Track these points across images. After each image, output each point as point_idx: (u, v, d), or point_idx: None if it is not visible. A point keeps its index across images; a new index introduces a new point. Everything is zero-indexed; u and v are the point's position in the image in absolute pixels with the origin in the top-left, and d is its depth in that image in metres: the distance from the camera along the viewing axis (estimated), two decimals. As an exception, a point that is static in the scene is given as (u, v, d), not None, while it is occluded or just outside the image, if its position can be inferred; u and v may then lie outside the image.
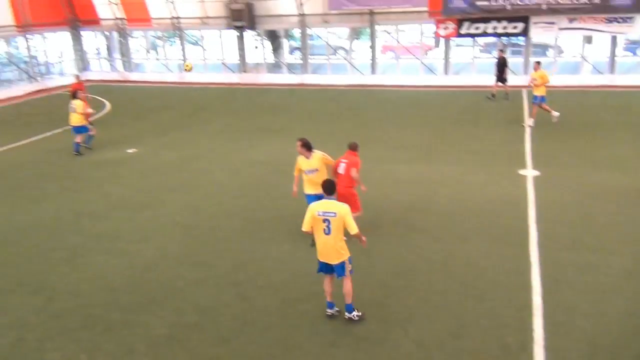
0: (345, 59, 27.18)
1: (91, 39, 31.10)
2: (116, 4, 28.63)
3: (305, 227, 7.08)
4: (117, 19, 29.08)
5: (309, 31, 26.58)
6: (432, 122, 18.01)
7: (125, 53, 30.32)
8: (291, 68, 28.07)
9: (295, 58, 30.62)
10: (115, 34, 30.18)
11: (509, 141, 15.38)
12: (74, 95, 15.98)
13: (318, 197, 7.65)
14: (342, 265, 7.11)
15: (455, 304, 7.62)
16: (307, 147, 9.21)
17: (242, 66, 28.26)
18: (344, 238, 7.12)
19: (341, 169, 9.36)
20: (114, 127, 19.24)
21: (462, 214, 10.61)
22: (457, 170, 13.14)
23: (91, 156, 15.54)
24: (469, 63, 25.48)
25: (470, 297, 7.76)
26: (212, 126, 18.73)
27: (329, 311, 7.39)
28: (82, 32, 30.48)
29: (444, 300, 7.73)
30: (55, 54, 30.60)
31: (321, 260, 7.16)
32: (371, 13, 24.84)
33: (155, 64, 30.73)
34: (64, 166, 14.74)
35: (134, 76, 29.69)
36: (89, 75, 30.43)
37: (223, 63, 28.61)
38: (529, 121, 16.95)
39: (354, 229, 7.02)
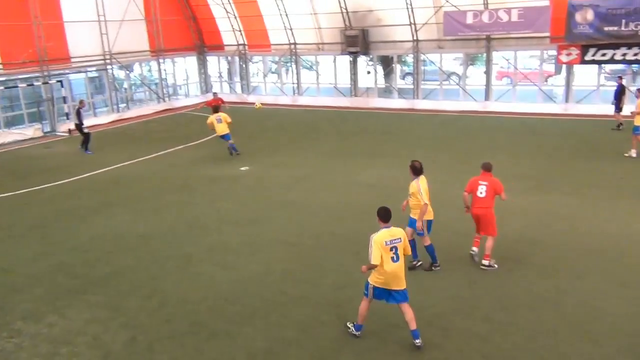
0: (458, 84, 26.69)
1: (214, 63, 33.17)
2: (240, 32, 30.39)
3: (376, 260, 7.03)
4: (239, 45, 30.83)
5: (422, 56, 26.46)
6: (549, 152, 17.08)
7: (244, 76, 31.98)
8: (402, 93, 28.04)
9: (407, 83, 30.55)
10: (236, 59, 31.97)
11: (636, 175, 14.20)
12: (216, 110, 18.70)
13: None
14: (405, 292, 7.15)
15: (566, 346, 7.10)
16: (412, 170, 9.21)
17: (354, 90, 28.68)
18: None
19: (481, 192, 9.18)
20: (230, 145, 20.24)
21: (577, 250, 9.91)
22: (574, 203, 12.32)
23: (207, 171, 16.46)
24: (593, 90, 23.90)
25: (584, 340, 7.19)
26: (322, 148, 19.12)
27: (357, 332, 7.47)
28: (207, 57, 32.64)
29: (553, 341, 7.22)
30: (181, 77, 32.98)
31: (383, 287, 7.14)
32: (488, 39, 24.24)
33: (271, 87, 32.08)
34: (182, 180, 15.73)
35: (251, 98, 31.13)
36: (210, 97, 32.38)
37: (335, 87, 29.23)
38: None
39: (409, 250, 7.33)
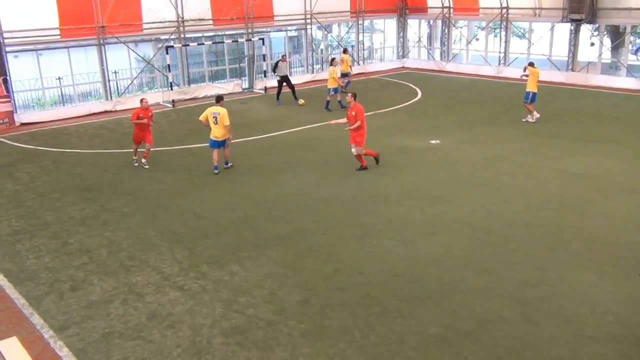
0: None
1: (415, 27, 32.94)
2: (446, -8, 29.76)
3: None
4: (444, 7, 30.16)
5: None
6: None
7: (445, 42, 31.31)
8: (632, 70, 25.07)
9: (639, 59, 27.26)
10: (439, 23, 31.37)
11: None
12: (331, 62, 21.58)
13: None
14: None
15: None
16: None
17: (572, 64, 26.41)
18: None
19: None
20: (422, 116, 20.17)
21: None
22: None
23: (395, 141, 16.56)
24: None
25: None
26: (523, 127, 18.06)
27: None
28: (408, 20, 32.55)
29: None
30: (378, 40, 33.36)
31: None
32: None
33: (473, 55, 30.97)
34: (368, 147, 16.00)
35: (449, 66, 30.47)
36: (406, 62, 32.42)
37: (549, 59, 27.20)
38: None
39: None
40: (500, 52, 28.98)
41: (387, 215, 11.26)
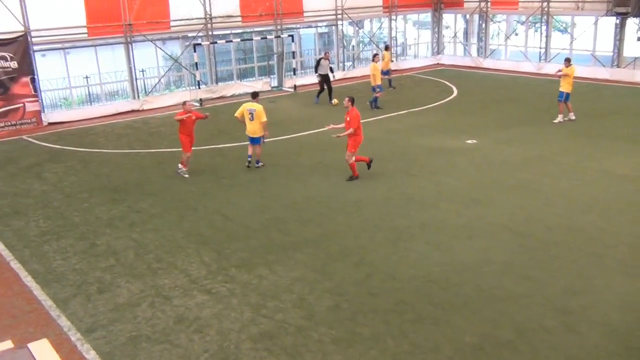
0: None
1: (450, 22, 32.68)
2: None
3: None
4: (481, 1, 29.86)
5: None
6: None
7: (482, 38, 30.98)
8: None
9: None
10: (476, 17, 31.07)
11: None
12: (374, 59, 21.40)
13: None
14: None
15: None
16: None
17: (617, 60, 25.87)
18: None
19: None
20: (457, 115, 20.00)
21: None
22: None
23: (429, 141, 16.46)
24: None
25: None
26: (565, 126, 17.75)
27: None
28: (443, 15, 32.29)
29: None
30: (412, 36, 33.18)
31: None
32: None
33: (512, 51, 30.57)
34: (401, 148, 15.99)
35: (487, 63, 30.15)
36: (442, 59, 32.18)
37: (593, 55, 26.70)
38: None
39: None
40: (540, 48, 28.56)
41: (421, 218, 11.20)
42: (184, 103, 14.39)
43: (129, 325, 7.92)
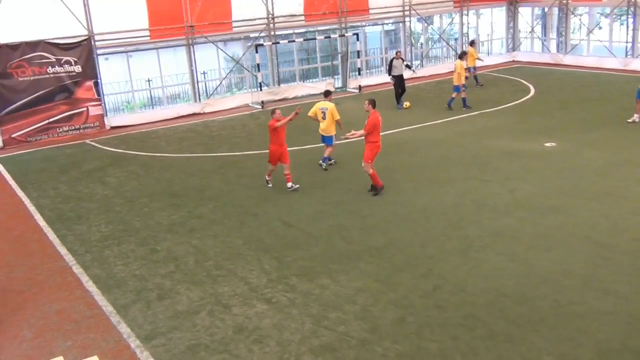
0: None
1: (527, 16, 31.87)
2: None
3: None
4: (560, -7, 29.05)
5: None
6: None
7: (562, 33, 30.05)
8: None
9: None
10: (555, 10, 30.19)
11: None
12: (460, 56, 21.62)
13: None
14: None
15: None
16: None
17: None
18: None
19: None
20: (535, 115, 19.48)
21: None
22: None
23: (504, 144, 16.09)
24: None
25: None
26: (657, 127, 17.01)
27: None
28: (519, 8, 31.54)
29: None
30: (485, 32, 32.56)
31: None
32: None
33: (596, 46, 29.53)
34: (473, 151, 15.68)
35: (567, 59, 29.25)
36: (517, 55, 31.41)
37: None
38: None
39: None
40: (627, 42, 27.55)
41: (494, 227, 10.94)
42: (274, 112, 13.49)
43: (188, 334, 8.09)
